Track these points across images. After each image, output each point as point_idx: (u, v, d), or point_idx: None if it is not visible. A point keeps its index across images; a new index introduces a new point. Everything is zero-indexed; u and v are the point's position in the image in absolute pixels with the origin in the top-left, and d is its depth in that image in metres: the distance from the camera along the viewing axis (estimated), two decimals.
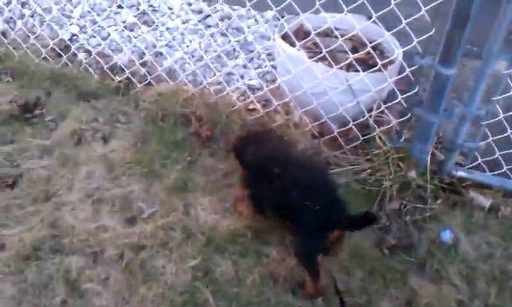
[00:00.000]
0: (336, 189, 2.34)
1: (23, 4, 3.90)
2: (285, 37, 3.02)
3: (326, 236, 2.17)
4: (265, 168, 2.28)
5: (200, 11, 4.17)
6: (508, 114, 2.64)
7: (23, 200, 2.53)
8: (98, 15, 3.90)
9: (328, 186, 2.30)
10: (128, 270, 2.32)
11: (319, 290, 2.27)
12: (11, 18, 3.76)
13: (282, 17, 4.07)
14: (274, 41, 3.03)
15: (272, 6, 2.81)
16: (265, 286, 2.32)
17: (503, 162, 2.77)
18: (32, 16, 3.86)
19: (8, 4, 3.98)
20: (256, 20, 4.14)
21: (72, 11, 3.97)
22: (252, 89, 3.34)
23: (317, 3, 2.62)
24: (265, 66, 3.60)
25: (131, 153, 2.85)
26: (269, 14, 4.22)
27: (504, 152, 2.75)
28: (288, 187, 2.19)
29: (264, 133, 2.74)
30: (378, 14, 2.49)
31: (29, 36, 3.51)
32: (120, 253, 2.36)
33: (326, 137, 2.94)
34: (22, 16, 3.80)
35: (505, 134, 2.69)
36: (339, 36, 2.74)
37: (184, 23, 4.04)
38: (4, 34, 3.56)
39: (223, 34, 3.90)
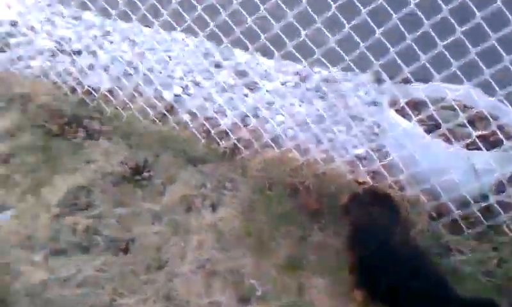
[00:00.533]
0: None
1: (128, 63, 3.97)
2: (393, 104, 2.91)
3: None
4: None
5: (297, 73, 4.14)
6: None
7: (136, 267, 2.50)
8: (199, 74, 3.92)
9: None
10: None
11: None
12: (118, 77, 3.82)
13: (381, 80, 4.05)
14: (383, 113, 2.93)
15: (383, 72, 2.74)
16: None
17: None
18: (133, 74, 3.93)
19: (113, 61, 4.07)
20: (354, 84, 4.07)
21: (173, 71, 4.02)
22: (359, 158, 3.24)
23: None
24: (371, 134, 3.51)
25: (239, 222, 2.78)
26: (368, 77, 4.15)
27: None
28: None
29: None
30: (504, 92, 2.36)
31: (135, 96, 3.54)
32: None
33: (445, 220, 2.78)
34: (127, 74, 3.86)
35: None
36: (458, 109, 2.61)
37: (282, 84, 4.00)
38: (111, 92, 3.61)
39: (321, 97, 3.84)
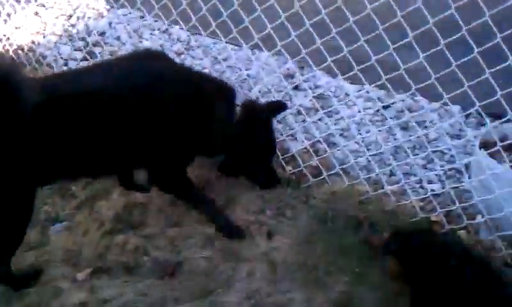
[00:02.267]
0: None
1: None
2: (485, 143, 2.64)
3: None
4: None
5: (378, 99, 3.91)
6: None
7: (181, 293, 2.42)
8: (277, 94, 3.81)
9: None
10: None
11: None
12: None
13: (469, 114, 3.72)
14: (472, 152, 2.66)
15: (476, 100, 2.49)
16: None
17: None
18: None
19: None
20: (439, 115, 3.78)
21: (250, 90, 3.94)
22: (435, 196, 2.97)
23: None
24: (450, 170, 3.23)
25: (295, 253, 2.63)
26: (455, 108, 3.84)
27: None
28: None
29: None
30: None
31: None
32: None
33: None
34: None
35: None
36: None
37: (359, 111, 3.81)
38: None
39: (403, 128, 3.60)
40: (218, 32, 3.45)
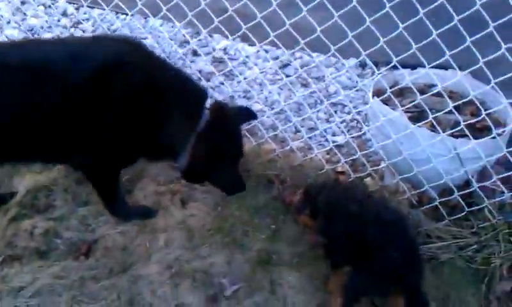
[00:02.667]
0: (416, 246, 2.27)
1: None
2: (378, 91, 2.76)
3: (384, 287, 2.13)
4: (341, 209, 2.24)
5: (277, 58, 3.97)
6: None
7: (98, 272, 2.36)
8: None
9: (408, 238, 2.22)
10: None
11: None
12: None
13: (365, 65, 3.88)
14: (368, 100, 2.78)
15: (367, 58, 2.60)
16: None
17: None
18: None
19: None
20: (336, 68, 3.91)
21: None
22: (338, 146, 3.09)
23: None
24: (351, 121, 3.36)
25: (211, 218, 2.65)
26: (351, 61, 3.98)
27: None
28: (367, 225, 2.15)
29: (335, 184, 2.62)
30: (498, 80, 2.22)
31: None
32: None
33: (425, 207, 2.64)
34: None
35: None
36: (446, 97, 2.46)
37: (261, 72, 3.84)
38: None
39: (304, 85, 3.69)
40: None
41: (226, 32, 3.04)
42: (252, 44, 3.94)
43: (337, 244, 2.25)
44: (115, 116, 2.27)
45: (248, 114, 2.78)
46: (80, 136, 2.28)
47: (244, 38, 3.94)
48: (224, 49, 4.13)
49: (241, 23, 2.88)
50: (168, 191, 2.77)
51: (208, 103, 2.56)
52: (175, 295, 2.29)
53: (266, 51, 4.04)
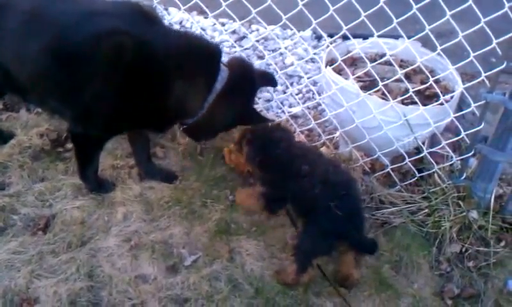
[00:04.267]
0: (360, 206, 2.32)
1: None
2: (331, 62, 2.81)
3: (331, 243, 2.21)
4: (292, 165, 2.28)
5: (234, 32, 3.98)
6: None
7: (57, 246, 2.36)
8: None
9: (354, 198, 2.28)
10: None
11: (297, 280, 2.24)
12: None
13: (320, 37, 3.92)
14: (321, 71, 2.82)
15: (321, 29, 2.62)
16: None
17: None
18: None
19: None
20: (292, 40, 3.94)
21: None
22: (294, 117, 3.14)
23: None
24: (308, 92, 3.41)
25: (169, 190, 2.67)
26: (306, 33, 4.03)
27: None
28: (315, 184, 2.21)
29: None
30: (444, 46, 2.29)
31: None
32: None
33: (378, 173, 2.72)
34: None
35: None
36: (396, 65, 2.52)
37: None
38: None
39: (260, 57, 3.71)
40: None
41: (180, 5, 3.02)
42: (207, 16, 3.93)
43: (283, 198, 2.35)
44: (102, 82, 2.20)
45: (270, 80, 2.70)
46: (73, 93, 2.26)
47: (201, 11, 3.95)
48: (181, 22, 4.11)
49: None
50: (125, 165, 2.77)
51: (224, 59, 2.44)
52: (135, 267, 2.32)
53: (223, 24, 4.03)
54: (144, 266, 2.33)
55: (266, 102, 3.31)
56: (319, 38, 4.07)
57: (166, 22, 2.50)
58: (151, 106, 2.27)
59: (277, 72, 3.04)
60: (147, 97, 2.24)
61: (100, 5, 2.32)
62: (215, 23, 4.04)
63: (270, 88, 3.30)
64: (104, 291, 2.22)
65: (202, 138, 2.71)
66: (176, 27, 3.93)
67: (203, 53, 2.35)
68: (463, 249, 2.48)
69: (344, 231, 2.15)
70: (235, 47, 3.42)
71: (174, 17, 4.08)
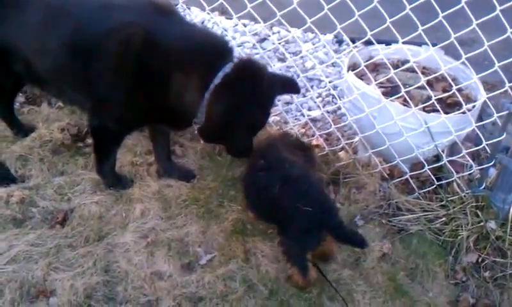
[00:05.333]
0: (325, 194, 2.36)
1: None
2: (353, 66, 2.80)
3: (314, 238, 2.22)
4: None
5: (256, 33, 3.99)
6: None
7: (74, 240, 2.38)
8: None
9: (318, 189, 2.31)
10: None
11: (308, 281, 2.24)
12: None
13: (341, 41, 3.91)
14: (343, 75, 2.81)
15: (344, 33, 2.63)
16: None
17: None
18: None
19: None
20: (313, 44, 3.94)
21: None
22: (313, 120, 3.14)
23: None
24: (327, 96, 3.40)
25: (187, 189, 2.68)
26: (328, 37, 4.02)
27: None
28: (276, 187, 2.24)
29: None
30: (468, 55, 2.27)
31: None
32: (177, 305, 2.19)
33: (396, 180, 2.71)
34: None
35: None
36: (419, 72, 2.51)
37: (239, 46, 3.86)
38: None
39: (281, 59, 3.71)
40: None
41: (204, 4, 3.03)
42: (229, 17, 3.94)
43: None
44: (114, 73, 2.25)
45: (291, 86, 2.46)
46: (88, 84, 2.31)
47: (223, 12, 3.96)
48: (202, 22, 4.12)
49: None
50: (144, 162, 2.79)
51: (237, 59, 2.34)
52: (151, 263, 2.33)
53: (244, 25, 4.04)
54: (160, 263, 2.34)
55: (286, 105, 3.31)
56: (339, 42, 4.06)
57: (181, 15, 2.50)
58: (158, 99, 2.27)
59: (298, 76, 3.04)
60: (154, 89, 2.26)
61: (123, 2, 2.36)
62: (237, 24, 4.05)
63: None
64: (119, 287, 2.23)
65: (210, 139, 2.57)
66: None
67: (209, 48, 2.29)
68: (480, 259, 2.45)
69: (320, 221, 2.18)
70: (256, 48, 3.42)
71: (196, 17, 4.10)
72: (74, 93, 2.46)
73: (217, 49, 2.31)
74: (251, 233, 2.50)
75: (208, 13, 3.23)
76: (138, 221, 2.49)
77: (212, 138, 2.51)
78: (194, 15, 4.12)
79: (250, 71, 2.29)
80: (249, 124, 2.34)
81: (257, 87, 2.27)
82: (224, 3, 2.91)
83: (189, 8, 4.15)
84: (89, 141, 2.84)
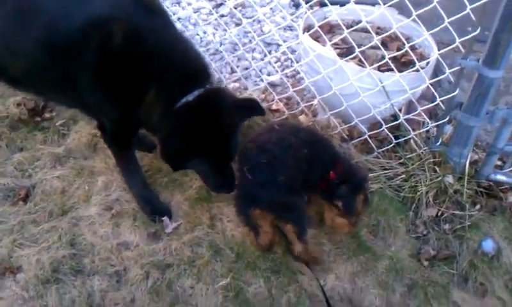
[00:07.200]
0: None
1: None
2: (308, 29, 2.82)
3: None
4: None
5: None
6: None
7: (38, 215, 2.38)
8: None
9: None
10: (155, 291, 2.19)
11: (259, 245, 2.29)
12: None
13: (298, 4, 3.92)
14: (298, 38, 2.83)
15: None
16: (301, 305, 2.20)
17: None
18: None
19: None
20: (271, 8, 3.93)
21: None
22: (273, 85, 3.16)
23: None
24: (286, 60, 3.42)
25: (149, 159, 2.68)
26: (284, 1, 4.02)
27: None
28: None
29: None
30: (418, 12, 2.32)
31: None
32: (144, 273, 2.22)
33: (356, 140, 2.77)
34: None
35: None
36: (372, 32, 2.55)
37: (195, 12, 3.82)
38: None
39: (238, 24, 3.70)
40: None
41: None
42: None
43: None
44: (92, 70, 2.13)
45: (255, 110, 2.29)
46: (66, 83, 2.20)
47: None
48: None
49: None
50: None
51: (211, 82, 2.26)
52: (117, 234, 2.35)
53: None
54: (126, 234, 2.36)
55: (244, 70, 3.32)
56: (296, 5, 4.06)
57: (168, 17, 2.36)
58: (134, 106, 2.19)
59: (255, 39, 3.04)
60: (129, 95, 2.17)
61: None
62: None
63: (249, 55, 3.32)
64: (86, 259, 2.25)
65: (167, 159, 2.29)
66: None
67: (187, 69, 2.19)
68: (439, 213, 2.55)
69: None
70: (212, 14, 3.40)
71: None
72: (56, 94, 2.35)
73: (194, 72, 2.21)
74: (216, 200, 2.51)
75: None
76: (102, 193, 2.49)
77: (173, 163, 2.30)
78: None
79: (212, 102, 2.18)
80: (208, 156, 2.21)
81: (215, 119, 2.16)
82: None
83: None
84: (47, 115, 2.82)
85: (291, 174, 2.13)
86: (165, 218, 2.42)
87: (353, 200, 2.23)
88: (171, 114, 2.13)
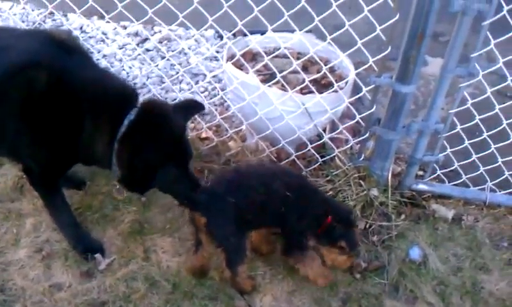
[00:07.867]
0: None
1: None
2: (232, 58, 2.89)
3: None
4: None
5: (136, 34, 3.99)
6: (465, 125, 2.64)
7: None
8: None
9: None
10: None
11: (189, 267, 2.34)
12: None
13: (222, 36, 4.00)
14: (222, 67, 2.90)
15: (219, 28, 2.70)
16: None
17: (462, 172, 2.79)
18: None
19: None
20: (196, 40, 4.00)
21: None
22: (201, 114, 3.21)
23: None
24: (213, 90, 3.48)
25: (79, 197, 2.65)
26: (209, 33, 4.10)
27: (462, 162, 2.77)
28: None
29: None
30: (333, 35, 2.44)
31: None
32: None
33: (284, 162, 2.84)
34: None
35: (463, 145, 2.70)
36: (292, 58, 2.64)
37: (120, 48, 3.84)
38: None
39: (164, 57, 3.74)
40: None
41: (76, 8, 2.96)
42: (108, 21, 3.89)
43: None
44: (19, 121, 2.09)
45: (195, 107, 2.39)
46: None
47: (101, 16, 3.90)
48: (81, 28, 4.05)
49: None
50: None
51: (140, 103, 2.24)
52: (48, 276, 2.30)
53: (124, 27, 4.02)
54: (58, 274, 2.31)
55: (172, 101, 3.34)
56: (221, 36, 4.15)
57: (86, 53, 2.36)
58: (65, 142, 2.16)
59: (180, 70, 3.09)
60: (60, 130, 2.14)
61: (5, 38, 2.20)
62: (116, 27, 4.01)
63: (176, 87, 3.36)
64: (17, 304, 2.18)
65: (132, 189, 2.33)
66: (77, 32, 3.88)
67: (115, 96, 2.19)
68: (367, 225, 2.64)
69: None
70: (136, 49, 3.42)
71: (74, 23, 4.02)
72: None
73: (122, 95, 2.21)
74: (149, 232, 2.53)
75: (84, 18, 3.18)
76: (31, 235, 2.44)
77: (133, 187, 2.30)
78: (71, 21, 4.04)
79: (154, 112, 2.20)
80: (175, 160, 2.18)
81: (165, 125, 2.17)
82: (96, 6, 2.85)
83: (65, 15, 4.08)
84: None
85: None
86: (98, 255, 2.39)
87: (354, 236, 2.31)
88: (122, 138, 2.11)
